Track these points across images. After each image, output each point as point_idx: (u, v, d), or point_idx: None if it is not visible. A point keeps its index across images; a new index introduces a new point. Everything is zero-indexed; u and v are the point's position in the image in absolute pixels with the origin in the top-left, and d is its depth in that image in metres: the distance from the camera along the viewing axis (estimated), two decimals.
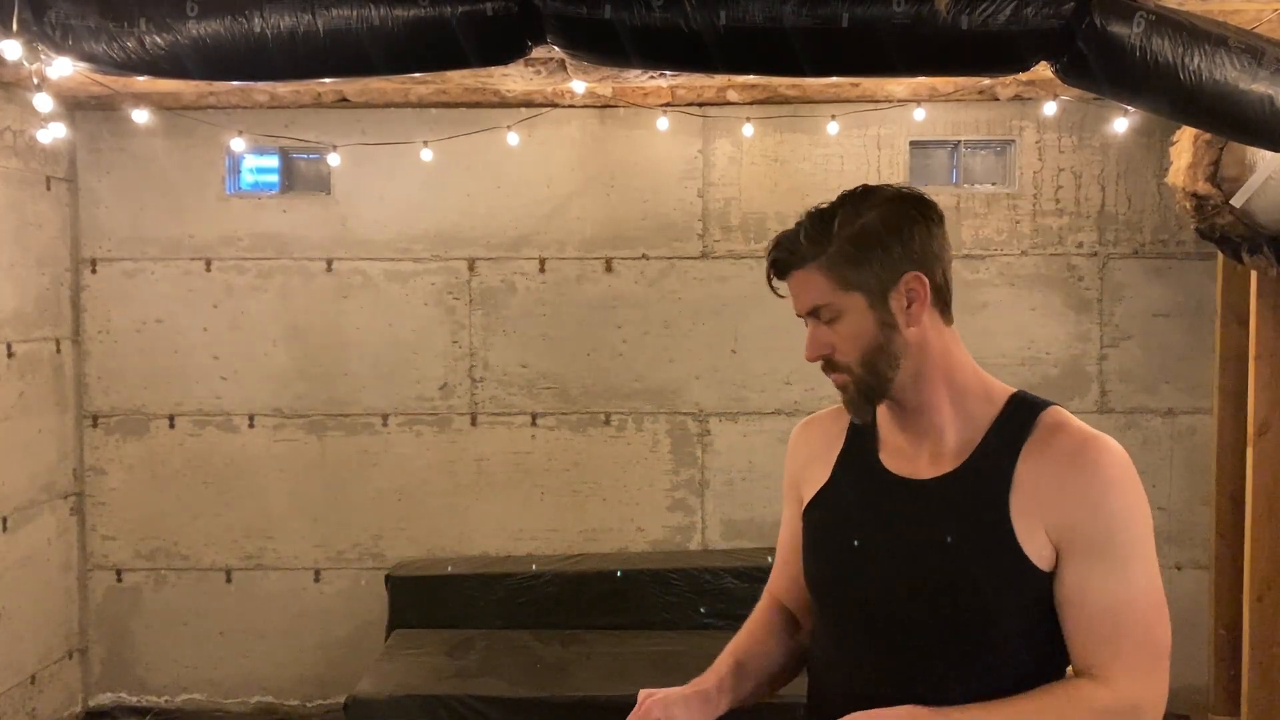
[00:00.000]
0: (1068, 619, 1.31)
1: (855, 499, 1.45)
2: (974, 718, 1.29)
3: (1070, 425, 1.35)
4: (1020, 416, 1.37)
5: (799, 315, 1.42)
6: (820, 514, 1.50)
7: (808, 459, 1.55)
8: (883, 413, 1.46)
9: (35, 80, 2.94)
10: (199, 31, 2.24)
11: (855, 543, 1.42)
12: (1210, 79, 2.27)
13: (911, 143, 4.29)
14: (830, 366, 1.41)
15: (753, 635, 1.57)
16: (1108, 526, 1.29)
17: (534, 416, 4.39)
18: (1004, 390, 1.42)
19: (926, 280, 1.36)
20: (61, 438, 4.29)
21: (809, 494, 1.52)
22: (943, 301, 1.40)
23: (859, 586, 1.41)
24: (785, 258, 1.39)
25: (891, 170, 4.27)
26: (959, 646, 1.33)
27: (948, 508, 1.35)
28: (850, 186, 1.42)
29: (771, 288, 1.44)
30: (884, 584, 1.38)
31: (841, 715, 1.30)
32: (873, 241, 1.35)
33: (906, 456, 1.42)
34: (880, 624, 1.39)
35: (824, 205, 1.40)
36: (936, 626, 1.34)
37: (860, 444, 1.48)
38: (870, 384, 1.39)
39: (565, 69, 3.42)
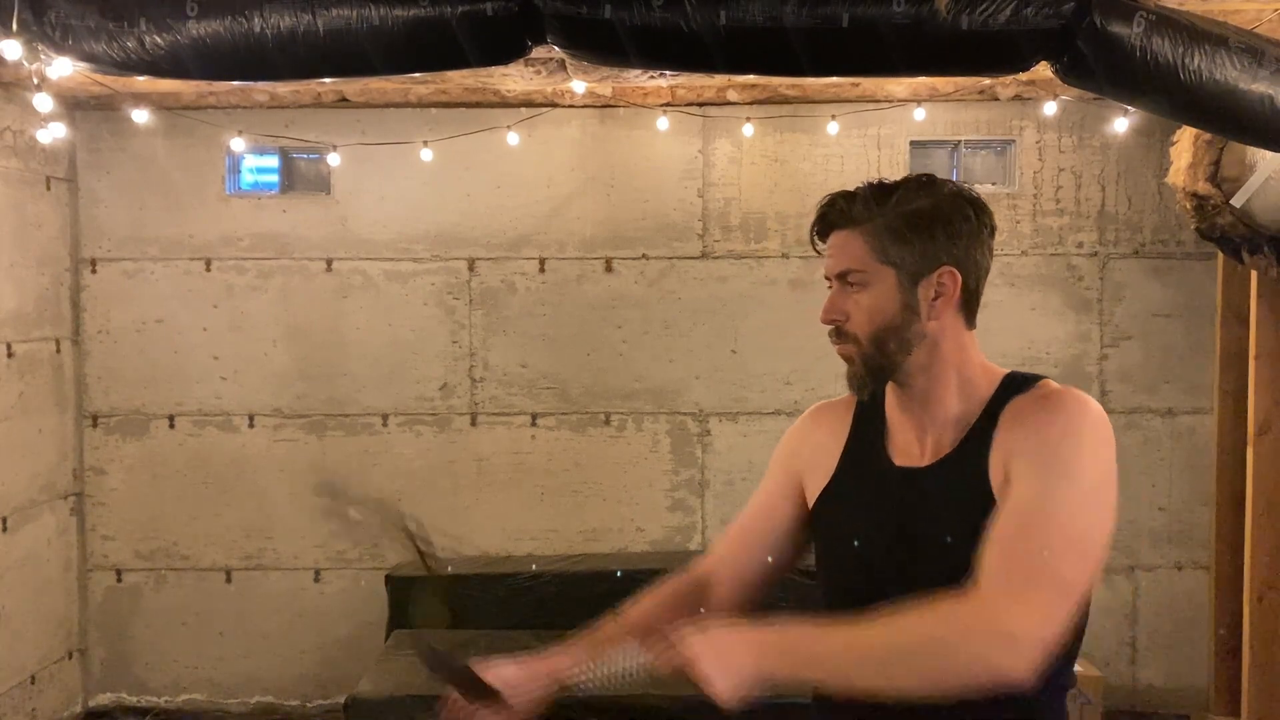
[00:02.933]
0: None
1: (858, 496, 1.45)
2: (822, 636, 1.25)
3: (1049, 385, 1.37)
4: (1009, 390, 1.39)
5: (827, 277, 1.42)
6: (827, 514, 1.49)
7: (815, 445, 1.53)
8: (891, 403, 1.47)
9: (35, 80, 2.94)
10: (199, 31, 2.24)
11: (855, 543, 1.42)
12: (1210, 79, 2.27)
13: (912, 143, 4.29)
14: (839, 335, 1.41)
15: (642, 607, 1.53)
16: (1050, 449, 1.27)
17: (534, 416, 4.39)
18: (1001, 374, 1.43)
19: (960, 278, 1.38)
20: (61, 438, 4.29)
21: (813, 485, 1.51)
22: (969, 307, 1.42)
23: (860, 584, 1.41)
24: (834, 215, 1.41)
25: (892, 171, 4.24)
26: None
27: (942, 496, 1.36)
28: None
29: (814, 244, 1.45)
30: (883, 584, 1.37)
31: (847, 715, 1.30)
32: (922, 225, 1.36)
33: (910, 448, 1.42)
34: None
35: (888, 180, 1.41)
36: None
37: (867, 436, 1.48)
38: (876, 361, 1.39)
39: (565, 69, 3.42)
